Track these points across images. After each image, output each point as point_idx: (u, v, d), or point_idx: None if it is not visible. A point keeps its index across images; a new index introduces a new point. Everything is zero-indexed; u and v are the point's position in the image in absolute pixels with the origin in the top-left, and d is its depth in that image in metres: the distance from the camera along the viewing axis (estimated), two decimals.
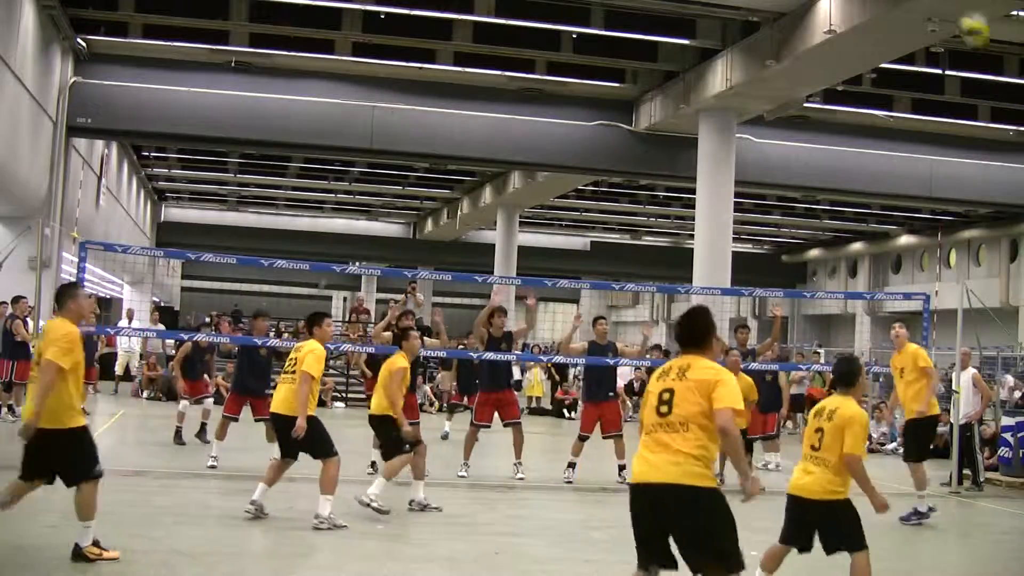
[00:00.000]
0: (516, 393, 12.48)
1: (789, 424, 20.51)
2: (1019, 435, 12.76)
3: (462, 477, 10.81)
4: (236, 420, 11.23)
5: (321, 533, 7.74)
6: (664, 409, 4.76)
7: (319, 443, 7.98)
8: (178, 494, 9.13)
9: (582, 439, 11.27)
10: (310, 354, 8.09)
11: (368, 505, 8.27)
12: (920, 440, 10.12)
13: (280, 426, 8.13)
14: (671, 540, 4.71)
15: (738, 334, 12.76)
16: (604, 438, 11.20)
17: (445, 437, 15.78)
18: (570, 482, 11.04)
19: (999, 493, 11.72)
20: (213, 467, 10.79)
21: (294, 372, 8.13)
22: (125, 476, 10.15)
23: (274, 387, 8.65)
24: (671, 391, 4.78)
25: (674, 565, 4.71)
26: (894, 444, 17.03)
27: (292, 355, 8.28)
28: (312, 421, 7.96)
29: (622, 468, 11.10)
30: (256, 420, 11.13)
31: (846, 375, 6.15)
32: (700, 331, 4.96)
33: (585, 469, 13.45)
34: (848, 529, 5.88)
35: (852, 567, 5.85)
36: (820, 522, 5.93)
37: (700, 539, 4.67)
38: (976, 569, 8.17)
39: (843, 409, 5.91)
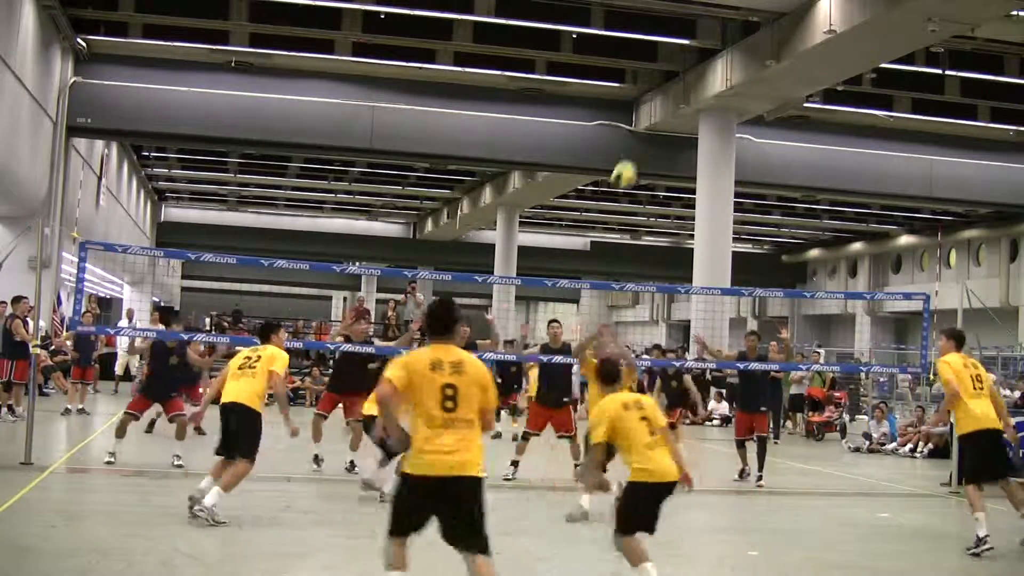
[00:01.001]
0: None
1: (789, 424, 20.51)
2: (1020, 435, 12.74)
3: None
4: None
5: (321, 533, 7.74)
6: (450, 404, 4.95)
7: (250, 442, 7.94)
8: (178, 494, 9.11)
9: (526, 438, 11.19)
10: (280, 357, 8.22)
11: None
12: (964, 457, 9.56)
13: (233, 415, 8.01)
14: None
15: (747, 340, 12.68)
16: (558, 438, 11.12)
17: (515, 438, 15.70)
18: (509, 479, 10.92)
19: (999, 493, 11.70)
20: (179, 466, 10.71)
21: (253, 368, 8.10)
22: (125, 476, 10.16)
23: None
24: (454, 387, 4.97)
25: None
26: (894, 444, 17.04)
27: (251, 353, 8.29)
28: (257, 419, 8.00)
29: (578, 466, 11.03)
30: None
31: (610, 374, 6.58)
32: (451, 320, 5.25)
33: (571, 469, 13.43)
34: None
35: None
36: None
37: (477, 524, 5.00)
38: (976, 569, 8.16)
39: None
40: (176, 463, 10.71)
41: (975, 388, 8.25)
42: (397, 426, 5.06)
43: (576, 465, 10.85)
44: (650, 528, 6.04)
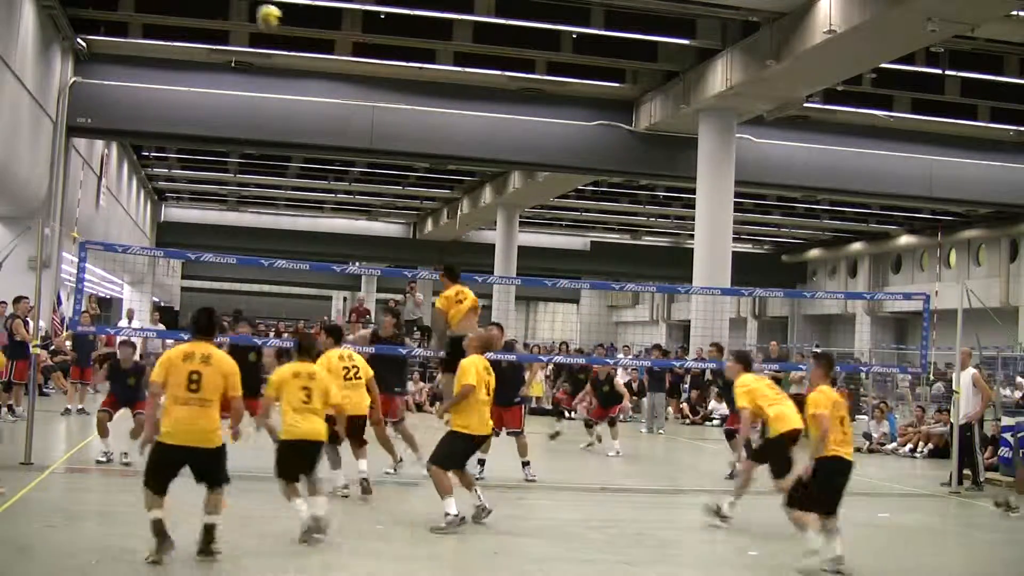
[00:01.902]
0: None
1: None
2: (1019, 435, 12.75)
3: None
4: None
5: (321, 533, 7.74)
6: (194, 387, 6.47)
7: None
8: (177, 494, 9.11)
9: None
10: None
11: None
12: None
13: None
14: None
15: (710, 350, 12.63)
16: (508, 434, 11.10)
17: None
18: (480, 478, 10.86)
19: (999, 493, 11.71)
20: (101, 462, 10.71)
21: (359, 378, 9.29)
22: (125, 476, 10.15)
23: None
24: (199, 373, 6.49)
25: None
26: (894, 444, 17.03)
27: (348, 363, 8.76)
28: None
29: (526, 464, 11.02)
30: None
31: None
32: (212, 324, 6.87)
33: (572, 470, 13.43)
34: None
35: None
36: None
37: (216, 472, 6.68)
38: (976, 569, 8.17)
39: None
40: (124, 460, 10.67)
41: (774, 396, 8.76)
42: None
43: (525, 462, 10.92)
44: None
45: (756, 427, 9.94)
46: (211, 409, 6.55)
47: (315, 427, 7.49)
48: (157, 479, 6.50)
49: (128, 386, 11.02)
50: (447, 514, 7.75)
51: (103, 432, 10.87)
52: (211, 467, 6.63)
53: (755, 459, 8.89)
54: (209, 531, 6.57)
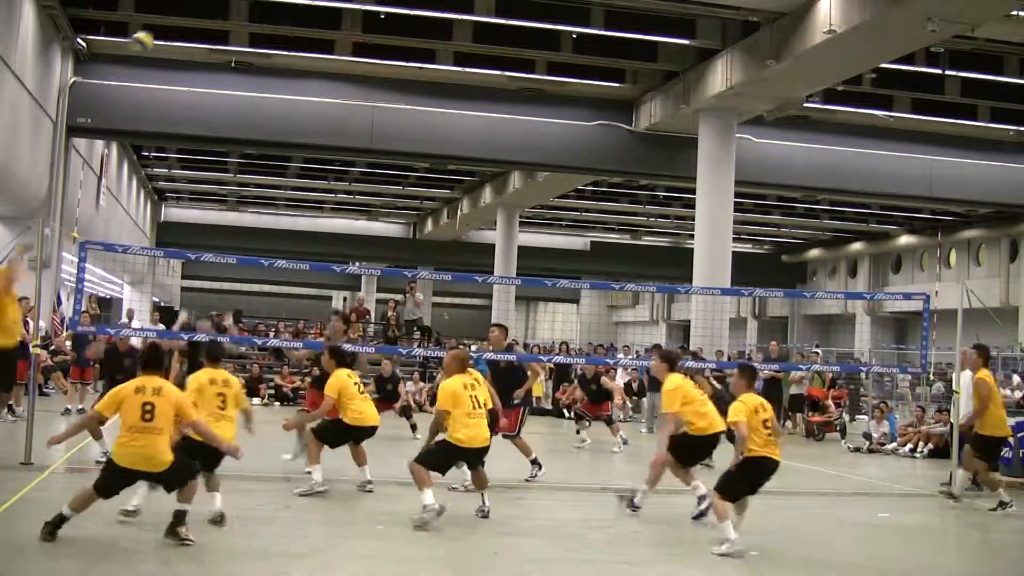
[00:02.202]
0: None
1: (789, 424, 20.50)
2: (1019, 435, 12.75)
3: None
4: None
5: (321, 533, 7.74)
6: (148, 416, 6.84)
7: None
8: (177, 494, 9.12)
9: None
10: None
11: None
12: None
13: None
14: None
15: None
16: (503, 437, 11.05)
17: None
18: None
19: (999, 493, 11.71)
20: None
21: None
22: None
23: None
24: (152, 404, 6.88)
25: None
26: (894, 444, 17.03)
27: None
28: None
29: (534, 462, 11.01)
30: None
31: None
32: (160, 360, 7.50)
33: (572, 470, 13.43)
34: None
35: None
36: None
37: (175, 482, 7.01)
38: (976, 569, 8.17)
39: None
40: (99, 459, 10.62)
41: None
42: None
43: (534, 460, 10.95)
44: None
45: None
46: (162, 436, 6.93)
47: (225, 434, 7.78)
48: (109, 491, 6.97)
49: (124, 368, 10.99)
50: (424, 505, 7.93)
51: (97, 435, 10.78)
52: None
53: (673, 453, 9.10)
54: (178, 516, 6.95)
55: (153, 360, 7.31)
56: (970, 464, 10.57)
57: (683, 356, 11.42)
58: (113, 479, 6.89)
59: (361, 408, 9.53)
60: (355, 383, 9.62)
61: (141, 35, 13.02)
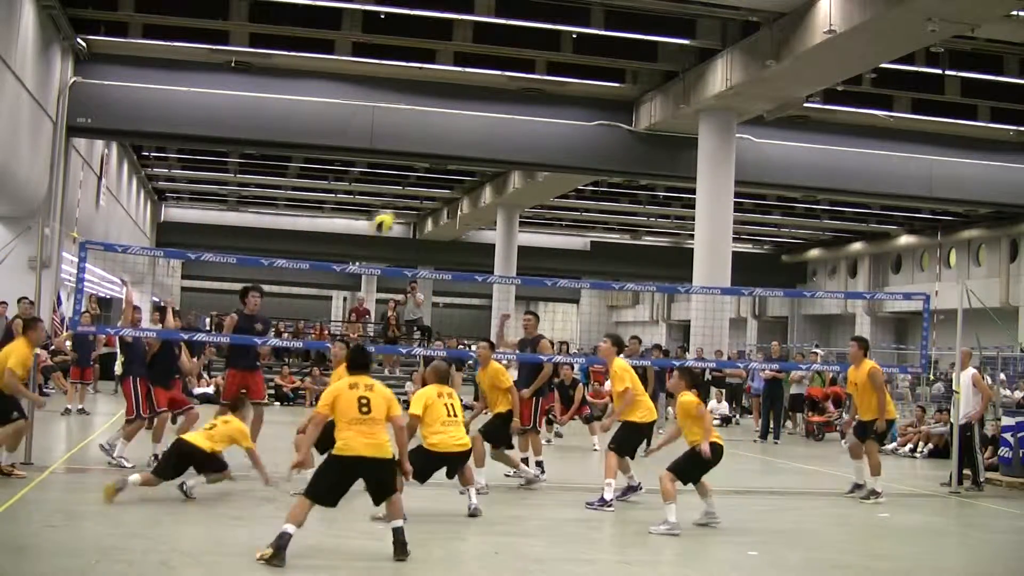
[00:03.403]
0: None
1: (789, 424, 20.50)
2: (1019, 435, 12.75)
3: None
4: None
5: (321, 534, 7.74)
6: (365, 409, 6.85)
7: None
8: (178, 494, 9.12)
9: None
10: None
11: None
12: None
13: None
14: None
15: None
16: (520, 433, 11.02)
17: None
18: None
19: (999, 493, 11.72)
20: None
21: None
22: (125, 476, 10.14)
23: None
24: (368, 398, 6.89)
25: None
26: (894, 444, 17.03)
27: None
28: None
29: (538, 463, 10.93)
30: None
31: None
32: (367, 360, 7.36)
33: (571, 469, 13.43)
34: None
35: None
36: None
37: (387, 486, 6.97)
38: (976, 569, 8.16)
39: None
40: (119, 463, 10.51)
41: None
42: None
43: (539, 463, 10.90)
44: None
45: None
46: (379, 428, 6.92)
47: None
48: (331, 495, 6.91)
49: (174, 355, 10.96)
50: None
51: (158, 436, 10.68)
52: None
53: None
54: (396, 535, 6.86)
55: (360, 360, 7.29)
56: None
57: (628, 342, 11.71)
58: (332, 477, 6.87)
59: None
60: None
61: (383, 217, 12.77)
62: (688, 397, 8.55)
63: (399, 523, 6.86)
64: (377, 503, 7.08)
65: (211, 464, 8.76)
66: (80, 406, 16.31)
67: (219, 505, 8.56)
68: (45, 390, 18.69)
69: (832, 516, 10.15)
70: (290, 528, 6.50)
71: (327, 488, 6.82)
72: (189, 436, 8.97)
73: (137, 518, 7.91)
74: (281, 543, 6.41)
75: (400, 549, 6.82)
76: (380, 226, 12.79)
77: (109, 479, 8.57)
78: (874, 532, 9.25)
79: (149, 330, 11.63)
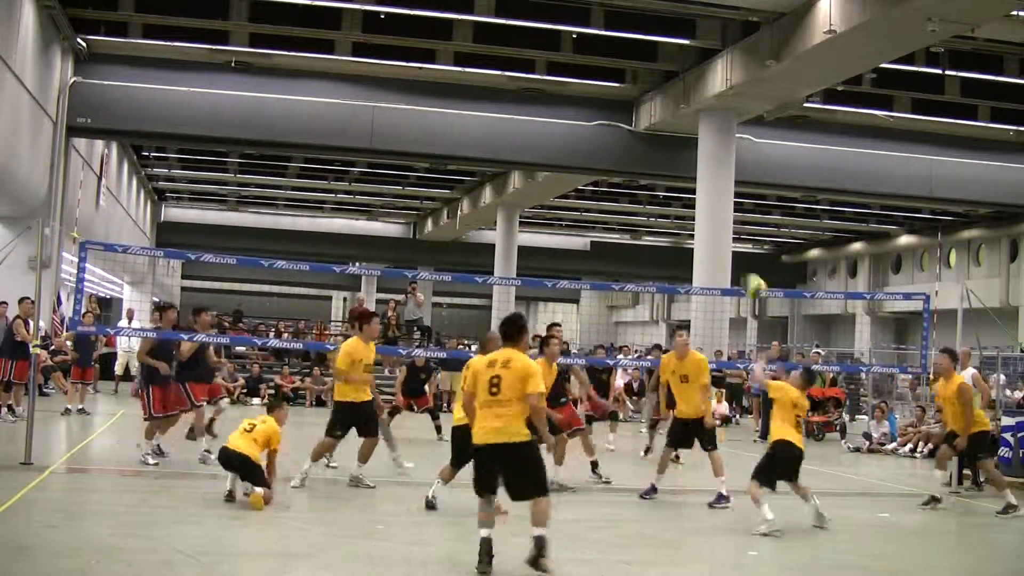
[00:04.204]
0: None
1: None
2: (1019, 435, 12.74)
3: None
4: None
5: (321, 533, 7.74)
6: (495, 390, 6.44)
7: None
8: (178, 494, 9.13)
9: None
10: None
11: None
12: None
13: None
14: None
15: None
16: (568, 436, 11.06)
17: None
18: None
19: (999, 493, 11.71)
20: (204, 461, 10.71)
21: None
22: (125, 476, 10.15)
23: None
24: (499, 377, 6.45)
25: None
26: (894, 444, 17.03)
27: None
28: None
29: (595, 465, 11.05)
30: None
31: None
32: (517, 330, 6.69)
33: (570, 469, 13.44)
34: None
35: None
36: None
37: (526, 475, 6.49)
38: (976, 569, 8.17)
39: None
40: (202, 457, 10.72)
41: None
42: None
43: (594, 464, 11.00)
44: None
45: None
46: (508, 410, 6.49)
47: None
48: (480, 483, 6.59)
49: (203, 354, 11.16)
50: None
51: (202, 432, 10.89)
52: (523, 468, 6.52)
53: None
54: (537, 543, 6.39)
55: (516, 329, 6.73)
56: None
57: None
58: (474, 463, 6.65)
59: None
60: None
61: (756, 282, 11.64)
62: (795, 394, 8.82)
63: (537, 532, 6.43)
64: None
65: (254, 475, 8.52)
66: (80, 406, 16.31)
67: (219, 505, 8.56)
68: (45, 390, 18.70)
69: (832, 516, 10.14)
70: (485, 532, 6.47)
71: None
72: (233, 443, 8.66)
73: (137, 518, 7.91)
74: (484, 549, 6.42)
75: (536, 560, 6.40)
76: (757, 292, 11.92)
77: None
78: (874, 532, 9.25)
79: (149, 330, 11.63)
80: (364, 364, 9.82)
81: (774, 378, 10.57)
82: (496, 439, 6.43)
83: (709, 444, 9.99)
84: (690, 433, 10.19)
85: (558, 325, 11.12)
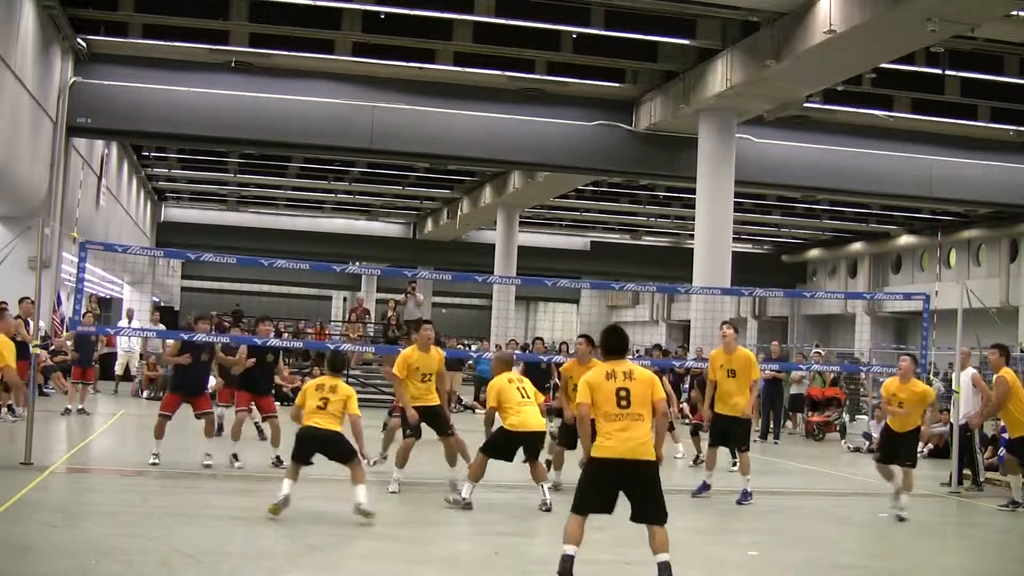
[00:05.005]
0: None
1: (789, 424, 20.52)
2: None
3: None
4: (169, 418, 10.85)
5: (321, 533, 7.74)
6: (624, 403, 6.23)
7: None
8: (178, 494, 9.13)
9: None
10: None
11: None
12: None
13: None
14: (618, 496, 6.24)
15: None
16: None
17: None
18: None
19: (999, 493, 11.71)
20: (208, 465, 10.68)
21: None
22: (125, 476, 10.16)
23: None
24: (627, 389, 6.26)
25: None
26: None
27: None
28: None
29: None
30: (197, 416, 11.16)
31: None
32: (625, 343, 6.61)
33: (570, 469, 13.45)
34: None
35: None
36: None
37: (658, 497, 6.23)
38: (976, 569, 8.17)
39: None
40: (206, 462, 10.66)
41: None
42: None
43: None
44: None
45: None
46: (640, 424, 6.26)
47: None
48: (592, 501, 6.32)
49: (200, 360, 11.02)
50: (463, 498, 8.90)
51: (159, 434, 10.67)
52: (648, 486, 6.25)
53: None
54: (663, 570, 6.08)
55: (617, 344, 6.57)
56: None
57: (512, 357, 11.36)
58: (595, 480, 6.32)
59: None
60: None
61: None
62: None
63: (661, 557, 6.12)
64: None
65: (340, 448, 8.22)
66: (80, 406, 16.32)
67: (219, 505, 8.57)
68: (45, 390, 18.70)
69: (832, 516, 10.16)
70: (570, 549, 6.23)
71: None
72: (314, 420, 8.20)
73: (137, 518, 7.91)
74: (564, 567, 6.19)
75: None
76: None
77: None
78: (874, 532, 9.26)
79: (149, 330, 11.61)
80: (421, 372, 9.67)
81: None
82: (633, 455, 6.15)
83: (744, 445, 10.27)
84: (728, 432, 10.38)
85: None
